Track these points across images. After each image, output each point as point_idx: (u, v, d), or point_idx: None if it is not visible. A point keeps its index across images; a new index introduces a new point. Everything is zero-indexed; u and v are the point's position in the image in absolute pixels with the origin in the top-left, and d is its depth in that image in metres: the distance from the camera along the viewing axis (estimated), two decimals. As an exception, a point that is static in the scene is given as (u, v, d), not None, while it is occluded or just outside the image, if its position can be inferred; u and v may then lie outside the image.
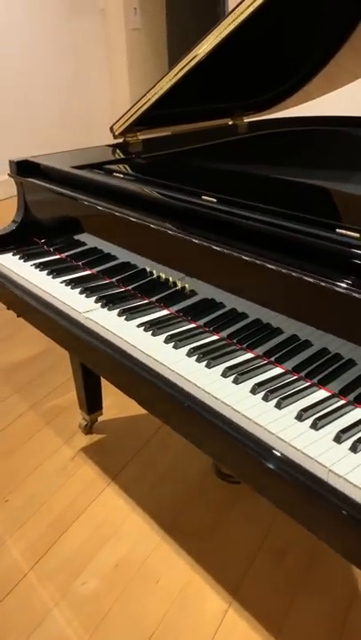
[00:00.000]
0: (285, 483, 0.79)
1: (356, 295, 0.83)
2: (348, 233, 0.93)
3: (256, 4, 1.25)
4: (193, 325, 1.12)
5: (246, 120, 1.94)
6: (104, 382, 1.89)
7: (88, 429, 1.92)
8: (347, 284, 0.85)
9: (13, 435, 1.93)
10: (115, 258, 1.35)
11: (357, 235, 0.92)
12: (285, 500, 0.82)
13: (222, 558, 1.46)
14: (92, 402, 1.87)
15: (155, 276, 1.25)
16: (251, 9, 1.26)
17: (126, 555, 1.49)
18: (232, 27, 1.31)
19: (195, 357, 1.01)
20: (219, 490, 1.67)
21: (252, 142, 1.77)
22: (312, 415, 0.84)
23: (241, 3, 1.28)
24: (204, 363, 0.99)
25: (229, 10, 1.32)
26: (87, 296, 1.26)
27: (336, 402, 0.88)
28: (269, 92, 1.89)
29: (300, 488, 0.77)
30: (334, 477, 0.75)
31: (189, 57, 1.43)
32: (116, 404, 2.04)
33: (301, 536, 1.49)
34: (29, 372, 2.24)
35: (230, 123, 1.91)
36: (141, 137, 1.72)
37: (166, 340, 1.06)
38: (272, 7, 1.28)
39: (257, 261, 0.96)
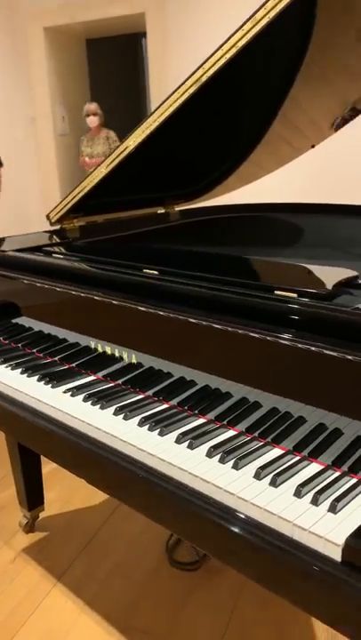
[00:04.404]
0: (250, 543, 0.76)
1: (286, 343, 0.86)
2: (285, 294, 0.98)
3: (174, 107, 1.35)
4: (142, 396, 1.11)
5: (177, 209, 2.05)
6: (45, 474, 1.79)
7: (29, 527, 1.78)
8: (285, 337, 0.89)
9: None
10: (56, 337, 1.34)
11: (294, 295, 0.97)
12: (251, 562, 0.78)
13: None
14: (32, 496, 1.76)
15: (98, 351, 1.24)
16: (171, 110, 1.36)
17: (78, 664, 1.35)
18: (157, 123, 1.41)
19: (146, 427, 0.99)
20: (174, 580, 1.58)
21: (176, 229, 1.88)
22: (270, 473, 0.84)
23: (164, 103, 1.39)
24: (157, 431, 0.97)
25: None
26: (28, 376, 1.22)
27: (291, 458, 0.88)
28: (193, 186, 2.03)
29: (265, 547, 0.75)
30: (300, 531, 0.73)
31: (119, 150, 1.51)
32: (60, 497, 1.93)
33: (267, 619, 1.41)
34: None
35: (162, 211, 2.02)
36: (78, 224, 1.77)
37: (116, 412, 1.04)
38: (194, 112, 1.39)
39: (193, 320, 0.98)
